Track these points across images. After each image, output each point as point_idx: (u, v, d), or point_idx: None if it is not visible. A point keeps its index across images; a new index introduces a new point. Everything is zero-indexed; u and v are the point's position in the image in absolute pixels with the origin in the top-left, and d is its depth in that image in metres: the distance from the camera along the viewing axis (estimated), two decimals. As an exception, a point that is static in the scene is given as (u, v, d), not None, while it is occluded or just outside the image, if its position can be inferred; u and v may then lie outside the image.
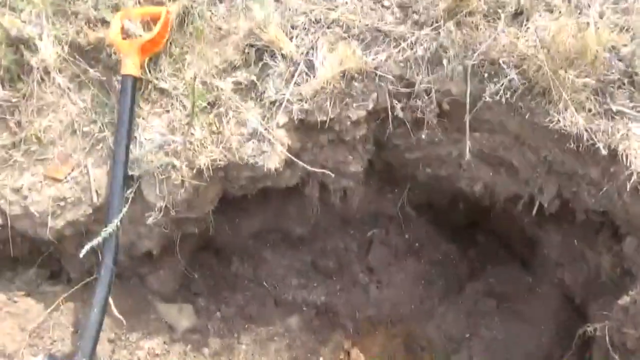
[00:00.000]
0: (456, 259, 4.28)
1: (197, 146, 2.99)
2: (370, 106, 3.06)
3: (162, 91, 3.16)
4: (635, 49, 2.79)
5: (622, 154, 2.64)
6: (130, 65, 2.94)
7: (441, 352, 3.69)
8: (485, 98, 2.88)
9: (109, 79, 3.16)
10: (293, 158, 3.00)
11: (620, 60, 2.83)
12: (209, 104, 3.11)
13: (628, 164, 2.60)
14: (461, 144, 3.19)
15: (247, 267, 4.10)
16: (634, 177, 2.57)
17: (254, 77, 3.11)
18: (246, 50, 3.18)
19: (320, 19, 3.17)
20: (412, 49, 3.03)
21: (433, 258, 4.23)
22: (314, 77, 3.00)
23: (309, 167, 3.08)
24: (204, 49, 3.20)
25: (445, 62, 2.96)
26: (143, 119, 3.08)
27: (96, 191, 2.98)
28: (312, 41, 3.13)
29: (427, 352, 3.70)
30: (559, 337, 3.61)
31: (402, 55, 3.03)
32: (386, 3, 3.22)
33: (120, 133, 2.91)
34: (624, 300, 2.56)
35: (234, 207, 3.90)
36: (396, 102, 3.07)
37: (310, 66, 3.07)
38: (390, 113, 3.09)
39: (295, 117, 2.99)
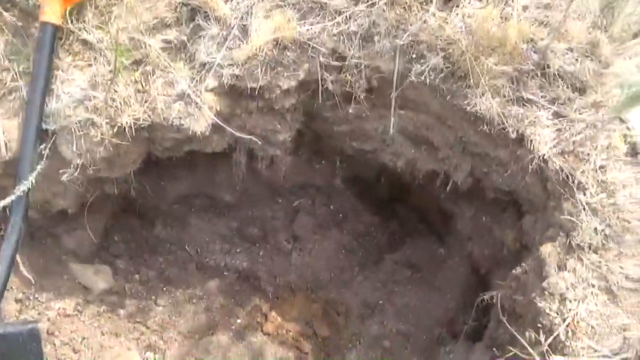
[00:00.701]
0: (377, 231, 4.48)
1: (120, 104, 2.87)
2: (302, 77, 3.08)
3: (85, 43, 2.99)
4: (550, 43, 3.00)
5: (528, 138, 2.86)
6: (50, 12, 2.74)
7: (356, 317, 3.89)
8: (412, 78, 3.00)
9: (26, 25, 2.93)
10: (221, 123, 2.97)
11: (535, 52, 3.03)
12: (135, 61, 2.98)
13: (532, 148, 2.83)
14: (386, 120, 3.31)
15: (170, 231, 4.07)
16: (536, 161, 2.80)
17: (184, 37, 3.02)
18: (179, 9, 3.07)
19: (258, -16, 3.12)
20: (346, 23, 3.06)
21: (355, 229, 4.41)
22: (246, 42, 2.96)
23: (236, 133, 3.07)
24: (133, 3, 3.05)
25: (376, 39, 3.02)
26: (63, 71, 2.91)
27: (6, 144, 2.80)
28: (247, 6, 3.07)
29: (343, 317, 3.90)
30: (464, 304, 3.92)
31: (336, 29, 3.06)
32: (325, -26, 3.23)
33: (35, 83, 2.73)
34: (517, 270, 2.84)
35: (160, 170, 3.83)
36: (327, 74, 3.11)
37: (244, 31, 3.02)
38: (320, 85, 3.13)
39: (226, 82, 2.95)
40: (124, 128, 2.83)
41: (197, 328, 3.57)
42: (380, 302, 3.98)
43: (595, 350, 2.24)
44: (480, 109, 2.91)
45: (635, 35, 3.08)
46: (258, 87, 2.99)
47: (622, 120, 2.88)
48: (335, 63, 3.10)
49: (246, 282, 3.95)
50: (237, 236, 4.18)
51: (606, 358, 2.22)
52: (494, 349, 2.80)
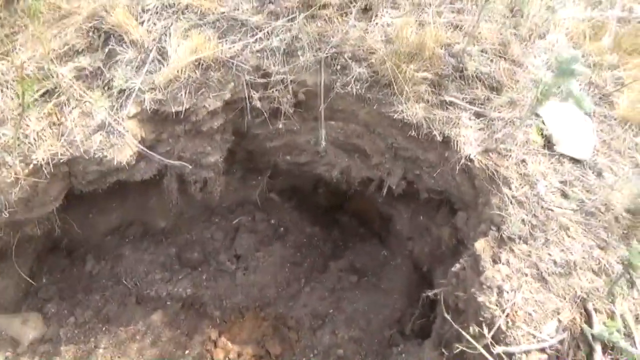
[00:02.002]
0: (320, 240, 4.50)
1: (34, 139, 2.68)
2: (227, 96, 3.03)
3: (-13, 76, 2.77)
4: (465, 47, 3.15)
5: (453, 140, 2.97)
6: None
7: (307, 330, 3.87)
8: (338, 89, 3.03)
9: None
10: (146, 150, 2.85)
11: (452, 56, 3.16)
12: (47, 91, 2.81)
13: (458, 149, 2.95)
14: (317, 132, 3.32)
15: (104, 266, 3.85)
16: (463, 160, 2.92)
17: (99, 64, 2.88)
18: (90, 34, 2.92)
19: (174, 4, 3.03)
20: (268, 39, 3.05)
21: (298, 241, 4.39)
22: (166, 65, 2.87)
23: (164, 160, 2.96)
24: (39, 30, 2.86)
25: (300, 53, 3.03)
26: (-38, 109, 2.67)
27: None
28: (164, 27, 2.99)
29: (294, 331, 3.86)
30: (410, 302, 4.02)
31: (258, 45, 3.04)
32: (242, -9, 3.19)
33: None
34: (456, 267, 2.94)
35: (86, 203, 3.61)
36: (253, 92, 3.08)
37: (163, 53, 2.93)
38: (247, 103, 3.10)
39: (148, 107, 2.84)
40: (40, 165, 2.64)
41: (144, 367, 3.40)
42: (330, 311, 3.99)
43: (534, 336, 2.36)
44: (406, 115, 2.99)
45: (542, 35, 3.29)
46: (183, 110, 2.91)
47: (537, 115, 3.07)
48: (261, 80, 3.08)
49: (191, 309, 3.82)
50: (176, 262, 4.04)
51: (544, 342, 2.34)
52: (442, 347, 2.89)
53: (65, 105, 2.79)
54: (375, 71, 3.04)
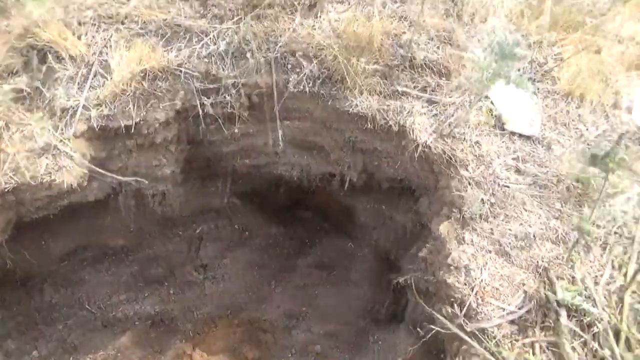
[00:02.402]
0: (285, 239, 4.48)
1: (-27, 170, 2.51)
2: (178, 105, 2.95)
3: None
4: (412, 36, 3.20)
5: (409, 129, 3.03)
6: None
7: (282, 330, 3.86)
8: (291, 88, 3.01)
9: None
10: (98, 169, 2.74)
11: (400, 46, 3.22)
12: (-18, 117, 2.63)
13: (414, 137, 3.01)
14: (274, 133, 3.30)
15: (64, 293, 3.67)
16: (420, 148, 2.99)
17: (38, 83, 2.73)
18: (25, 52, 2.76)
19: (112, 15, 2.91)
20: (215, 43, 2.99)
21: (263, 243, 4.36)
22: (111, 78, 2.75)
23: (118, 177, 2.85)
24: (-35, 52, 2.68)
25: (249, 55, 2.99)
26: None
27: None
28: (104, 39, 2.86)
29: (269, 333, 3.84)
30: (381, 290, 4.09)
31: (205, 51, 2.97)
32: (182, -5, 3.11)
33: None
34: (423, 252, 3.02)
35: (38, 230, 3.42)
36: (205, 98, 3.01)
37: (106, 67, 2.81)
38: (200, 110, 3.03)
39: (95, 124, 2.72)
40: (-16, 197, 2.48)
41: (118, 391, 3.29)
42: (303, 308, 4.00)
43: (504, 310, 2.46)
44: (361, 109, 3.02)
45: (483, 19, 3.39)
46: (133, 123, 2.81)
47: (486, 97, 3.18)
48: (211, 85, 3.01)
49: (161, 325, 3.71)
50: (140, 280, 3.91)
51: (513, 314, 2.44)
52: (416, 330, 2.96)
53: (4, 130, 2.62)
54: (327, 67, 3.05)
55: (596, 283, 2.54)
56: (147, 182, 2.99)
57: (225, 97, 3.02)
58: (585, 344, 2.30)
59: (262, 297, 4.10)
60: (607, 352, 2.23)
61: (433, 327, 2.58)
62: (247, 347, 3.72)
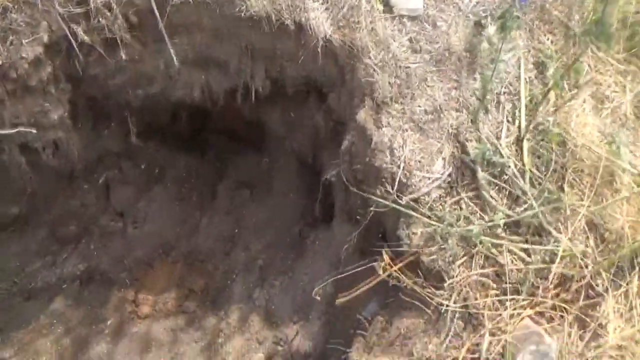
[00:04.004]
0: (199, 168, 4.33)
1: None
2: (45, 38, 2.56)
3: None
4: None
5: (305, 25, 2.94)
6: None
7: (221, 255, 3.86)
8: (172, 1, 2.73)
9: None
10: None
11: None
12: None
13: (312, 33, 2.94)
14: (165, 53, 3.03)
15: (-35, 277, 3.28)
16: (321, 42, 2.93)
17: None
18: None
19: None
20: (70, -42, 2.56)
21: (177, 176, 4.18)
22: (-49, 17, 2.28)
23: (-1, 132, 2.48)
24: None
25: (114, -33, 2.62)
26: None
27: None
28: None
29: (208, 262, 3.82)
30: (307, 194, 4.17)
31: (59, -32, 2.54)
32: None
33: None
34: (345, 144, 3.09)
35: None
36: (75, 25, 2.64)
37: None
38: (73, 40, 2.65)
39: (-51, 76, 2.29)
40: None
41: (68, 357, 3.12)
42: (235, 231, 3.99)
43: (429, 178, 2.66)
44: (253, 11, 2.85)
45: None
46: (-3, 67, 2.40)
47: (372, -19, 3.14)
48: (79, 9, 2.63)
49: (93, 282, 3.51)
50: (53, 244, 3.60)
51: (437, 180, 2.65)
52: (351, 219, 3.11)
53: None
54: (204, -30, 2.78)
55: (498, 138, 2.80)
56: (35, 131, 2.64)
57: (99, 20, 2.66)
58: (500, 189, 2.59)
59: (191, 230, 4.01)
60: (518, 191, 2.53)
61: (371, 209, 2.72)
62: (190, 279, 3.68)
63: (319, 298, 3.07)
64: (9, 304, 3.27)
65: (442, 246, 2.51)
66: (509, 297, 2.32)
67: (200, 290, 3.60)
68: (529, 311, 2.24)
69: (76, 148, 3.20)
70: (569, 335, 2.19)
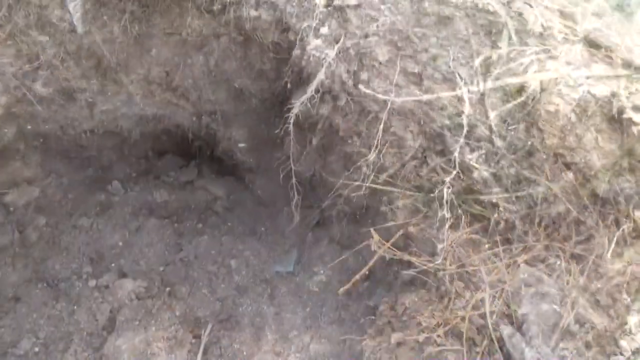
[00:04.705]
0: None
1: None
2: None
3: None
4: None
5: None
6: None
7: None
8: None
9: None
10: None
11: None
12: None
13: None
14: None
15: None
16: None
17: None
18: None
19: None
20: None
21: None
22: None
23: None
24: None
25: None
26: None
27: None
28: None
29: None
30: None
31: None
32: None
33: None
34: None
35: None
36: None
37: None
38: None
39: None
40: None
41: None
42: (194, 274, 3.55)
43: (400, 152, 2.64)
44: None
45: None
46: None
47: None
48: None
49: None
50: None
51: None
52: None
53: None
54: None
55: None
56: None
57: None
58: (472, 148, 2.56)
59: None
60: (489, 146, 2.53)
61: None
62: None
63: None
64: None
65: (427, 214, 2.50)
66: (501, 248, 2.31)
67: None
68: (523, 257, 2.23)
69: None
70: (569, 272, 2.19)
